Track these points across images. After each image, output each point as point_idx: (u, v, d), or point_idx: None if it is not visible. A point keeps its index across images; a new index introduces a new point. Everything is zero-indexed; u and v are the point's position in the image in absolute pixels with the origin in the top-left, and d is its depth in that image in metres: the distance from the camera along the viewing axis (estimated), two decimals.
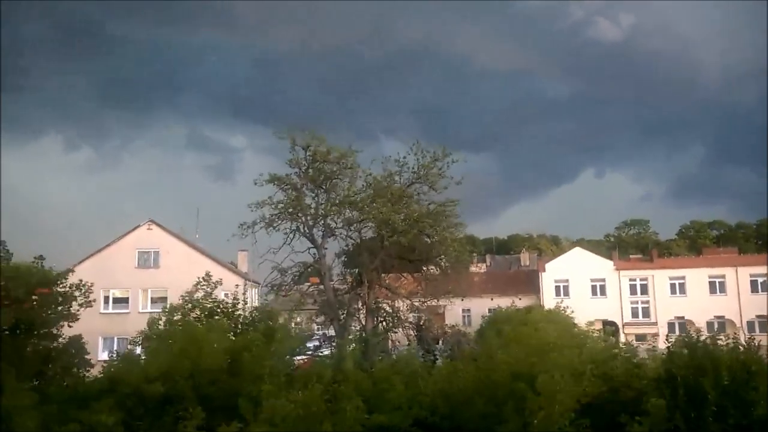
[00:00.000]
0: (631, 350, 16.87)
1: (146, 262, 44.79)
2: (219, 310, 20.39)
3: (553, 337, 16.51)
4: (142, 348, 20.51)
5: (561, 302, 31.57)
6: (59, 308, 22.56)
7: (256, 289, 44.99)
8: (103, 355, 36.85)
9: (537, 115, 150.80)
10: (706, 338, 15.47)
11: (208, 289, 20.80)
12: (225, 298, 21.39)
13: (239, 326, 19.97)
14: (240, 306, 21.25)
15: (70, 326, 23.21)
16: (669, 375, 14.54)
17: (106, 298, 43.24)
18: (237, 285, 23.26)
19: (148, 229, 45.16)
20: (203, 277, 21.00)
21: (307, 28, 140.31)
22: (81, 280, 23.73)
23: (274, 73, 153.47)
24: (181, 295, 21.29)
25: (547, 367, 13.94)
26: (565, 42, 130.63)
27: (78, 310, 23.24)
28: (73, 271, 24.51)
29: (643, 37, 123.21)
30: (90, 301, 23.76)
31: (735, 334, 16.88)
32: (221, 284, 21.49)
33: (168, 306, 21.43)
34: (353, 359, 17.85)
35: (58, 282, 23.00)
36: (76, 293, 23.05)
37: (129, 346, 22.10)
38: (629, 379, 14.90)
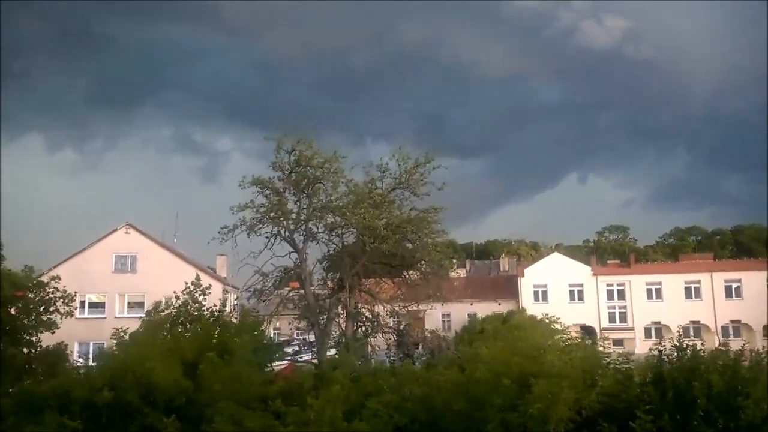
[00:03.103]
0: (622, 360, 16.73)
1: (123, 266, 44.32)
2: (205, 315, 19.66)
3: (541, 340, 16.43)
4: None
5: (545, 314, 31.60)
6: (40, 316, 22.18)
7: (235, 294, 44.68)
8: (79, 361, 36.39)
9: (526, 121, 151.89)
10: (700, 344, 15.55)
11: (196, 295, 19.92)
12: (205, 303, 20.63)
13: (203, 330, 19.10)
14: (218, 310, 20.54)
15: (52, 332, 22.80)
16: (658, 377, 14.59)
17: (82, 303, 42.57)
18: (227, 292, 22.46)
19: (126, 232, 44.70)
20: (192, 282, 20.26)
21: (303, 31, 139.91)
22: (65, 288, 23.26)
23: (268, 75, 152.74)
24: (164, 301, 20.59)
25: (539, 370, 13.82)
26: (559, 46, 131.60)
27: (59, 318, 22.82)
28: (58, 278, 23.83)
29: (635, 41, 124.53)
30: (71, 309, 23.35)
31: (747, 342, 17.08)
32: (210, 291, 20.65)
33: (147, 311, 20.77)
34: (344, 365, 17.69)
35: (41, 288, 22.57)
36: (59, 303, 22.64)
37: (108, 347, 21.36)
38: (620, 389, 14.75)
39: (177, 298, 19.94)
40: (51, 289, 22.84)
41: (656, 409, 13.68)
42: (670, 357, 15.14)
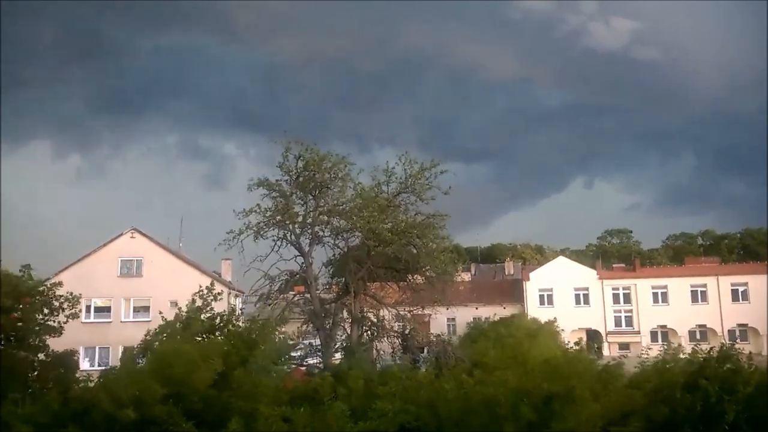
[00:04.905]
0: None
1: (129, 270, 44.28)
2: (216, 323, 19.77)
3: (552, 351, 16.21)
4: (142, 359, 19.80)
5: (549, 319, 31.47)
6: (44, 320, 22.12)
7: (240, 299, 44.71)
8: (85, 365, 36.44)
9: (532, 124, 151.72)
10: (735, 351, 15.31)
11: (208, 299, 20.02)
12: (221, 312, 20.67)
13: (231, 340, 19.31)
14: (234, 318, 20.68)
15: (53, 337, 22.73)
16: (692, 385, 14.31)
17: (88, 308, 42.61)
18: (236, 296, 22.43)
19: (131, 237, 44.70)
20: (207, 287, 20.33)
21: (308, 37, 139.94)
22: (70, 293, 23.23)
23: (273, 81, 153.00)
24: (178, 309, 20.59)
25: (562, 393, 13.56)
26: (565, 49, 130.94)
27: (63, 323, 22.75)
28: (60, 284, 23.80)
29: (642, 43, 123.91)
30: (76, 312, 23.23)
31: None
32: (221, 296, 20.87)
33: (160, 324, 20.59)
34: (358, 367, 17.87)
35: (45, 293, 22.51)
36: (65, 305, 22.56)
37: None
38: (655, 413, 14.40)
39: (193, 302, 20.01)
40: (52, 293, 22.71)
41: (679, 420, 13.51)
42: (711, 365, 14.85)
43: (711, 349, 16.01)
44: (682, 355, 16.17)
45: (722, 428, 13.28)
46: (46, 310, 22.11)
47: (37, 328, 21.89)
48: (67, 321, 22.77)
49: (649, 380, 15.44)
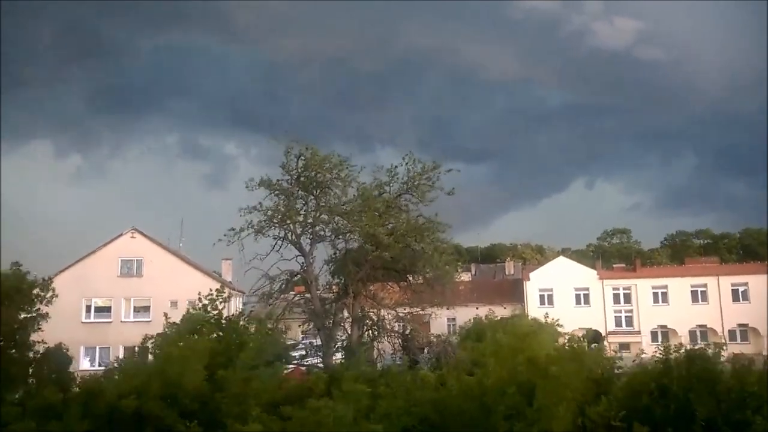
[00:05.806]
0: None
1: (129, 270, 44.25)
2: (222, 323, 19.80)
3: (550, 349, 16.24)
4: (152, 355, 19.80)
5: (546, 315, 31.46)
6: (28, 314, 21.95)
7: (241, 298, 44.74)
8: (85, 364, 36.48)
9: (534, 124, 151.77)
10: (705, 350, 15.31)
11: (217, 303, 20.07)
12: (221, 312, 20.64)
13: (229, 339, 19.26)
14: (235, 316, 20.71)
15: (36, 328, 22.44)
16: (663, 388, 14.37)
17: (88, 307, 42.70)
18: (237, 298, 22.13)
19: (131, 237, 44.68)
20: (217, 289, 20.40)
21: (309, 38, 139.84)
22: (44, 278, 23.09)
23: (274, 81, 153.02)
24: (188, 309, 20.63)
25: (545, 380, 13.70)
26: (567, 49, 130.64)
27: (45, 311, 22.53)
28: (24, 272, 23.49)
29: (645, 43, 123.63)
30: (50, 299, 22.86)
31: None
32: (230, 299, 20.90)
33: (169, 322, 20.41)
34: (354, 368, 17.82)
35: (30, 289, 22.37)
36: (42, 292, 22.33)
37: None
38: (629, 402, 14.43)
39: (200, 300, 20.04)
40: (25, 284, 22.48)
41: (660, 421, 13.56)
42: (678, 365, 14.91)
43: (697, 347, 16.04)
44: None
45: (699, 426, 13.32)
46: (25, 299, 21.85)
47: (16, 326, 21.67)
48: (41, 310, 22.48)
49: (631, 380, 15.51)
